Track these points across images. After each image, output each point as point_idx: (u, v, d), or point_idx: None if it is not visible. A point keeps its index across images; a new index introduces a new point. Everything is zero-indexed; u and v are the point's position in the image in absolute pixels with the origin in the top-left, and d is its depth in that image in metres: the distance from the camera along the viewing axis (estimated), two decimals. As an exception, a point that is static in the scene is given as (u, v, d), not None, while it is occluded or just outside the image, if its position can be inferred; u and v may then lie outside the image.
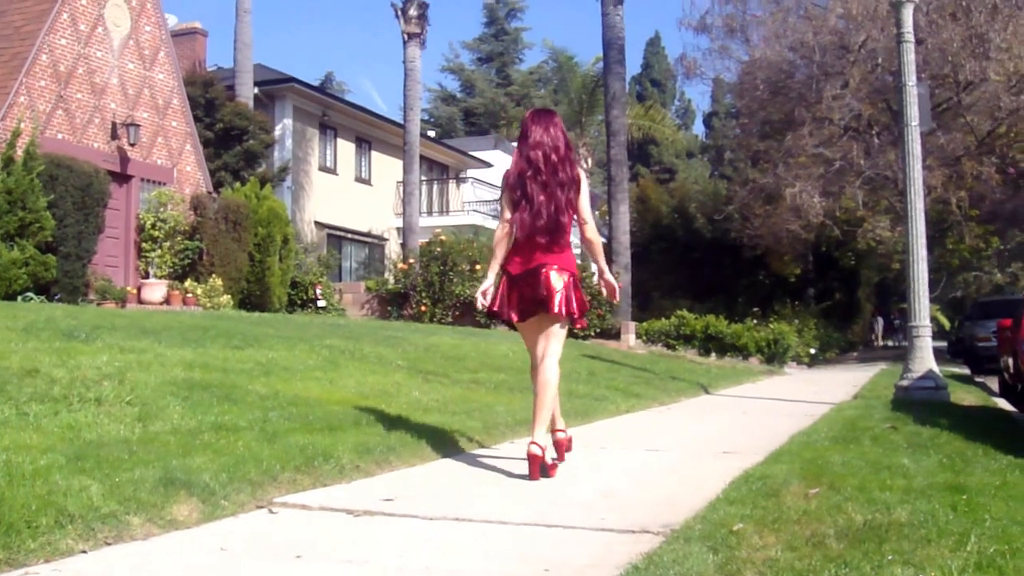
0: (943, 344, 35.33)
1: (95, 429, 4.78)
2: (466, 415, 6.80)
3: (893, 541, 3.34)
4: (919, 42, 15.40)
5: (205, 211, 17.15)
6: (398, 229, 27.76)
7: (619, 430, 7.41)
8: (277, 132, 25.11)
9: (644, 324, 20.25)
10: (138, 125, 17.22)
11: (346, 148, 28.68)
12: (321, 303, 19.82)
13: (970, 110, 22.33)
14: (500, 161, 36.06)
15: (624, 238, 20.97)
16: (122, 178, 17.01)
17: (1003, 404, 11.33)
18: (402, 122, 25.47)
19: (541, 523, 3.78)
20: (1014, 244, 36.42)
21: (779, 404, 10.25)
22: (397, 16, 24.12)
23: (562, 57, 40.18)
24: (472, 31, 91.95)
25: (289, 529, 3.68)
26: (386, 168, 29.94)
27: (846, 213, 25.44)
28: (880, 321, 43.94)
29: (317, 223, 26.73)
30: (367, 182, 29.58)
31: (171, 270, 16.95)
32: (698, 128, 71.10)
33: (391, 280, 21.06)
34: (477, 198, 32.29)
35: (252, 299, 17.70)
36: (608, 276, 5.24)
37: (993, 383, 15.00)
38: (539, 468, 4.77)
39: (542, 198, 4.98)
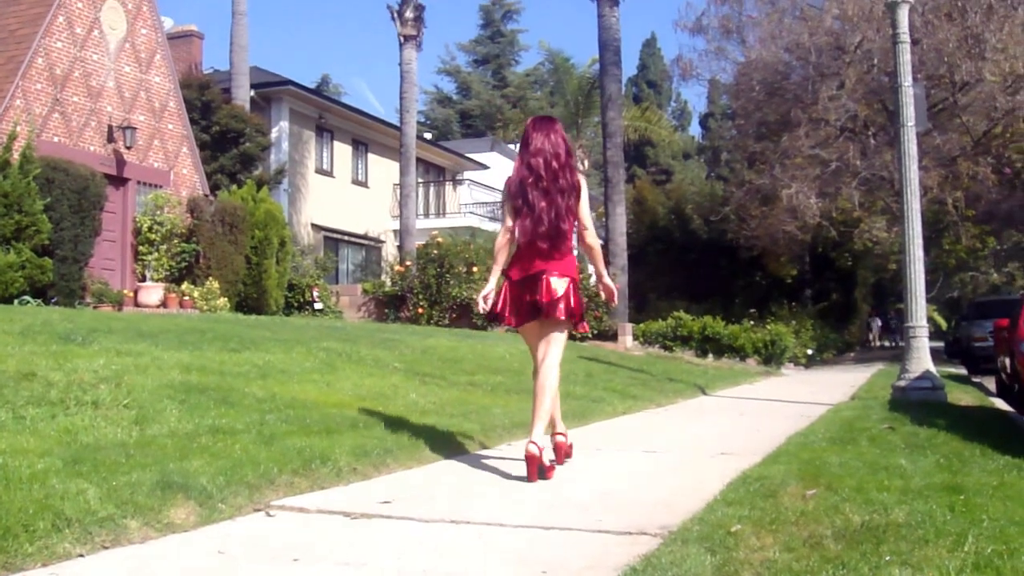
0: (940, 344, 35.36)
1: (92, 432, 4.78)
2: (463, 417, 6.81)
3: (891, 542, 3.34)
4: (915, 43, 15.44)
5: (202, 214, 17.13)
6: (395, 231, 27.74)
7: (616, 432, 7.41)
8: (273, 135, 25.09)
9: (641, 325, 20.26)
10: (134, 128, 17.21)
11: (343, 150, 28.67)
12: (318, 305, 19.81)
13: (966, 110, 22.36)
14: (496, 163, 36.06)
15: (621, 240, 20.98)
16: (118, 181, 16.99)
17: (1000, 404, 11.33)
18: (398, 124, 25.46)
19: (538, 525, 3.78)
20: (1010, 244, 36.45)
21: (776, 405, 10.25)
22: (393, 18, 24.11)
23: (558, 59, 40.16)
24: (468, 33, 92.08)
25: (286, 532, 3.68)
26: (383, 170, 29.92)
27: (842, 214, 25.47)
28: (877, 321, 43.98)
29: (314, 225, 26.71)
30: (364, 184, 29.56)
31: (168, 273, 16.93)
32: (694, 129, 71.17)
33: (388, 282, 21.04)
34: (474, 200, 32.28)
35: (249, 302, 17.69)
36: (607, 280, 5.31)
37: (990, 383, 15.01)
38: (537, 469, 4.78)
39: (543, 204, 5.02)
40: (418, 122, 29.81)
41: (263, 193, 18.92)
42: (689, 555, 3.15)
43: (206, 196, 18.51)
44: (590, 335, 17.94)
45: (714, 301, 26.15)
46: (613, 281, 5.43)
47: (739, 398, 11.42)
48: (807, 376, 18.18)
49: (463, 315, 19.25)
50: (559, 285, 5.02)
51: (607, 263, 6.26)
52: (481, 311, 5.27)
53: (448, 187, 33.28)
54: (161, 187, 17.90)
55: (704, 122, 67.95)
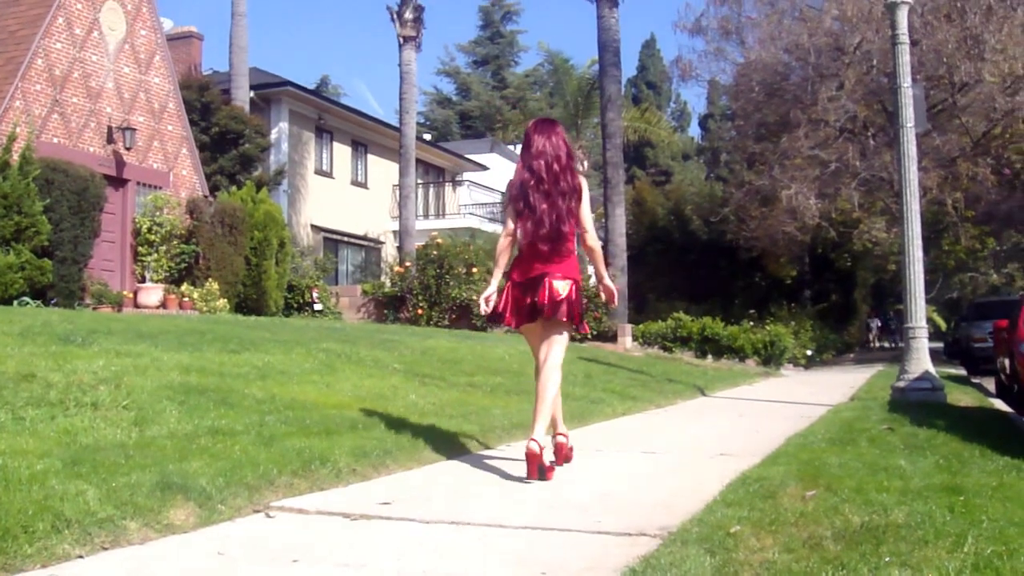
0: (939, 345, 35.36)
1: (91, 434, 4.78)
2: (463, 418, 6.81)
3: (890, 543, 3.34)
4: (914, 43, 15.43)
5: (201, 215, 17.14)
6: (394, 232, 27.74)
7: (616, 433, 7.41)
8: (273, 136, 25.09)
9: (640, 326, 20.26)
10: (134, 129, 17.20)
11: (342, 151, 28.67)
12: (317, 306, 19.81)
13: (965, 111, 22.36)
14: (496, 164, 36.05)
15: (620, 240, 20.98)
16: (118, 182, 16.99)
17: (999, 405, 11.33)
18: (398, 125, 25.46)
19: (538, 526, 3.78)
20: (1010, 245, 36.44)
21: (776, 406, 10.25)
22: (393, 19, 24.11)
23: (558, 60, 40.16)
24: (468, 34, 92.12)
25: (286, 533, 3.68)
26: (382, 171, 29.92)
27: (842, 215, 25.46)
28: (876, 322, 43.97)
29: (313, 226, 26.71)
30: (363, 185, 29.56)
31: (167, 274, 16.93)
32: (694, 130, 71.15)
33: (387, 283, 21.04)
34: (473, 201, 32.28)
35: (248, 303, 17.69)
36: (607, 282, 5.35)
37: (989, 384, 15.01)
38: (537, 468, 4.79)
39: (544, 207, 5.07)
40: (418, 123, 29.81)
41: (262, 194, 18.92)
42: (689, 556, 3.15)
43: (206, 197, 18.52)
44: (589, 336, 17.94)
45: (713, 302, 26.15)
46: (613, 282, 5.46)
47: (738, 399, 11.42)
48: (806, 377, 18.18)
49: (463, 316, 19.25)
50: (561, 287, 5.06)
51: (607, 264, 6.25)
52: (483, 312, 5.31)
53: (448, 188, 33.29)
54: (160, 188, 17.89)
55: (703, 123, 67.94)
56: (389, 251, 28.97)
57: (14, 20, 16.09)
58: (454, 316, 19.40)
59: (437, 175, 34.02)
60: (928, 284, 14.19)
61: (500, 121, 50.17)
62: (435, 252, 19.87)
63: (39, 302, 13.22)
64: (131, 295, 15.98)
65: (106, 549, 3.34)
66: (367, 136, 29.71)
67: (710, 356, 18.97)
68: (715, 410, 9.81)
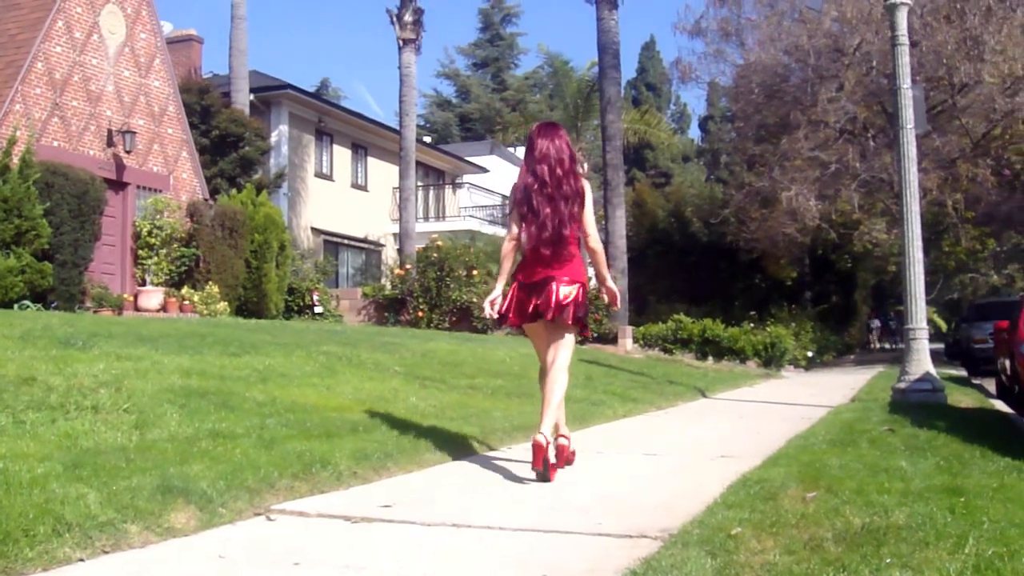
0: (940, 346, 35.33)
1: (92, 437, 4.78)
2: (463, 421, 6.81)
3: (891, 544, 3.34)
4: (913, 45, 15.43)
5: (201, 218, 17.14)
6: (395, 235, 27.74)
7: (616, 435, 7.41)
8: (273, 139, 25.10)
9: (641, 328, 20.26)
10: (134, 132, 17.21)
11: (342, 154, 28.67)
12: (318, 309, 19.81)
13: (965, 112, 22.35)
14: (496, 166, 36.07)
15: (620, 242, 20.97)
16: (118, 185, 17.00)
17: (1000, 406, 11.33)
18: (398, 128, 25.46)
19: (539, 528, 3.78)
20: (1010, 246, 36.42)
21: (776, 407, 10.25)
22: (392, 22, 24.12)
23: (557, 62, 40.14)
24: (467, 36, 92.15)
25: (287, 536, 3.68)
26: (382, 174, 29.93)
27: (842, 216, 25.45)
28: (877, 324, 43.96)
29: (313, 229, 26.71)
30: (363, 188, 29.57)
31: (168, 277, 16.94)
32: (694, 132, 71.15)
33: (388, 286, 21.04)
34: (473, 203, 32.28)
35: (249, 306, 17.69)
36: (610, 284, 5.41)
37: (990, 385, 15.00)
38: (542, 459, 4.80)
39: (547, 211, 5.12)
40: (417, 125, 29.82)
41: (263, 197, 18.93)
42: (689, 558, 3.15)
43: (206, 200, 18.52)
44: (590, 338, 17.94)
45: (714, 304, 26.13)
46: (614, 284, 5.49)
47: (739, 401, 11.42)
48: (807, 378, 18.18)
49: (463, 318, 19.25)
50: (568, 291, 5.12)
51: (608, 266, 6.25)
52: (488, 316, 5.35)
53: (448, 190, 33.29)
54: (161, 191, 17.90)
55: (703, 125, 67.95)
56: (389, 254, 28.97)
57: (14, 24, 16.10)
58: (454, 318, 19.40)
59: (437, 177, 34.03)
60: (928, 285, 14.19)
61: (500, 123, 50.18)
62: (435, 255, 19.87)
63: (39, 305, 13.23)
64: (131, 298, 15.98)
65: (107, 552, 3.34)
66: (367, 139, 29.72)
67: (711, 358, 18.97)
68: (716, 412, 9.81)
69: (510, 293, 5.30)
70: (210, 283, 16.66)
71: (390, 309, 20.25)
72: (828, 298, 32.69)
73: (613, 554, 3.35)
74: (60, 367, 6.16)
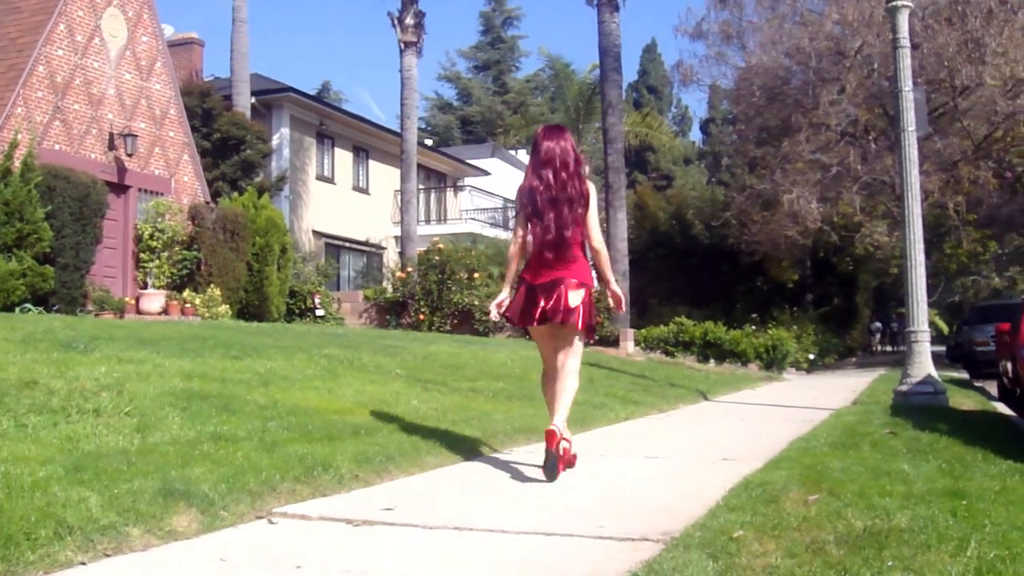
0: (942, 349, 35.32)
1: (94, 440, 4.78)
2: (465, 424, 6.80)
3: (893, 547, 3.34)
4: (915, 47, 15.43)
5: (203, 221, 17.15)
6: (396, 238, 27.76)
7: (618, 437, 7.41)
8: (274, 142, 25.13)
9: (642, 331, 20.25)
10: (135, 135, 17.23)
11: (343, 157, 28.70)
12: (319, 312, 19.82)
13: (966, 115, 22.35)
14: (497, 169, 36.09)
15: (622, 245, 20.96)
16: (120, 188, 17.02)
17: (1002, 408, 11.31)
18: (399, 131, 25.49)
19: (541, 531, 3.78)
20: (1011, 248, 36.43)
21: (778, 410, 10.24)
22: (394, 25, 24.14)
23: (558, 65, 40.23)
24: (468, 39, 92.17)
25: (289, 539, 3.68)
26: (384, 177, 29.95)
27: (844, 218, 25.44)
28: (879, 326, 43.93)
29: (315, 232, 26.73)
30: (365, 191, 29.59)
31: (169, 280, 16.95)
32: (695, 135, 71.23)
33: (389, 289, 21.05)
34: (475, 206, 32.30)
35: (250, 309, 17.70)
36: (614, 287, 5.46)
37: (992, 387, 15.00)
38: (557, 445, 4.90)
39: (552, 213, 5.17)
40: (419, 128, 29.85)
41: (264, 200, 18.95)
42: (691, 561, 3.15)
43: (207, 203, 18.54)
44: (591, 341, 17.92)
45: (715, 306, 26.11)
46: (618, 287, 5.54)
47: (741, 403, 11.41)
48: (809, 381, 18.17)
49: (464, 321, 19.26)
50: (577, 296, 5.16)
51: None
52: (494, 318, 5.39)
53: (449, 193, 33.31)
54: (162, 194, 17.92)
55: (705, 127, 68.03)
56: (391, 256, 29.00)
57: (15, 27, 16.13)
58: (456, 321, 19.40)
59: (438, 180, 34.05)
60: (930, 288, 14.18)
61: (501, 126, 50.24)
62: (437, 257, 19.88)
63: (41, 309, 13.24)
64: (133, 301, 15.99)
65: (108, 556, 3.34)
66: (368, 142, 29.74)
67: (712, 360, 18.96)
68: (717, 414, 9.81)
69: (517, 295, 5.34)
70: (211, 286, 16.67)
71: (391, 312, 20.26)
72: (830, 301, 32.66)
73: (615, 557, 3.35)
74: (62, 370, 6.16)
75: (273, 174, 24.22)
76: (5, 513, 3.32)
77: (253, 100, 23.78)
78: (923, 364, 9.94)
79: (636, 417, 9.05)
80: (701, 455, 6.20)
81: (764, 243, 25.69)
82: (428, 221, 31.07)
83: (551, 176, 5.18)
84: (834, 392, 13.31)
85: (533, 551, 3.49)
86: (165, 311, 15.96)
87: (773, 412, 10.00)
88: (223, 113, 21.54)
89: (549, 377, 5.38)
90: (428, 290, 19.70)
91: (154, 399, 5.84)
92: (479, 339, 16.14)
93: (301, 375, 7.91)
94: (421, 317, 19.53)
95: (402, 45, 24.07)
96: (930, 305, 12.41)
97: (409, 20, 23.94)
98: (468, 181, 34.44)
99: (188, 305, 16.10)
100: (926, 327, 10.11)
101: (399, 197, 25.97)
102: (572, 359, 5.25)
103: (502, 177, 35.30)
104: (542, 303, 5.16)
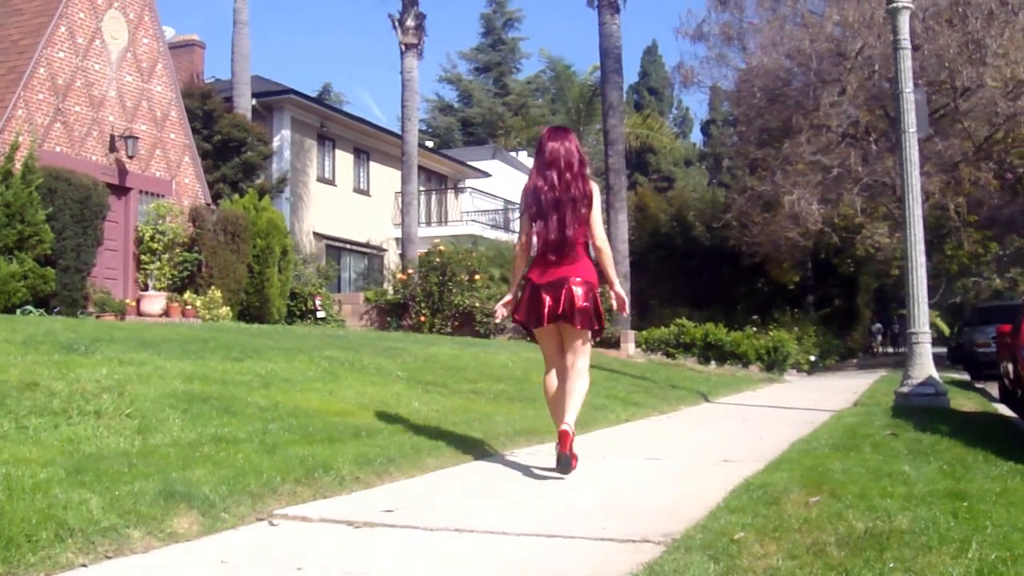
0: (943, 350, 35.32)
1: (95, 442, 4.78)
2: (466, 425, 6.80)
3: (894, 549, 3.33)
4: (916, 48, 15.42)
5: (204, 223, 17.16)
6: (397, 239, 27.77)
7: (619, 439, 7.40)
8: (275, 143, 25.14)
9: (643, 332, 20.24)
10: (136, 137, 17.24)
11: (344, 159, 28.71)
12: (320, 314, 19.82)
13: (967, 116, 22.34)
14: (498, 171, 36.09)
15: (623, 247, 20.96)
16: (121, 190, 17.02)
17: (1003, 410, 11.30)
18: (400, 132, 25.50)
19: (542, 533, 3.77)
20: (1012, 249, 36.42)
21: (779, 412, 10.24)
22: (394, 27, 24.15)
23: (559, 66, 40.25)
24: (469, 41, 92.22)
25: (289, 541, 3.68)
26: (384, 179, 29.96)
27: (844, 220, 25.43)
28: (880, 327, 43.91)
29: (316, 234, 26.74)
30: (366, 193, 29.60)
31: (170, 282, 16.95)
32: (696, 136, 71.22)
33: (390, 290, 21.06)
34: (476, 208, 32.31)
35: (251, 310, 17.70)
36: (618, 288, 5.52)
37: (993, 389, 14.99)
38: (570, 444, 5.00)
39: (555, 214, 5.22)
40: (420, 130, 29.85)
41: (265, 202, 18.96)
42: (692, 563, 3.15)
43: (208, 205, 18.54)
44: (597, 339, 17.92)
45: (716, 308, 26.10)
46: (621, 289, 5.57)
47: (742, 405, 11.41)
48: (810, 383, 18.16)
49: (465, 323, 19.26)
50: (583, 295, 5.20)
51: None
52: (499, 317, 5.43)
53: (450, 195, 33.32)
54: (163, 196, 17.92)
55: (705, 129, 68.02)
56: (392, 258, 29.01)
57: (16, 29, 16.13)
58: (457, 323, 19.41)
59: (439, 182, 34.06)
60: (931, 289, 14.18)
61: (502, 128, 50.26)
62: (438, 259, 19.89)
63: (42, 311, 13.24)
64: (134, 303, 15.99)
65: (109, 558, 3.34)
66: (369, 143, 29.75)
67: (713, 362, 18.95)
68: (718, 416, 9.80)
69: (523, 295, 5.38)
70: (212, 288, 16.67)
71: (392, 314, 20.27)
72: (831, 302, 32.65)
73: (616, 559, 3.35)
74: (63, 372, 6.16)
75: (274, 176, 24.24)
76: (6, 515, 3.32)
77: (254, 102, 23.80)
78: (924, 365, 9.94)
79: (637, 419, 9.04)
80: (702, 457, 6.20)
81: (765, 245, 25.68)
82: (429, 223, 31.08)
83: (555, 177, 5.24)
84: (835, 393, 13.31)
85: (534, 552, 3.49)
86: (166, 313, 15.97)
87: (774, 414, 10.00)
88: (224, 115, 21.56)
89: (555, 377, 5.40)
90: (429, 292, 19.71)
91: (155, 401, 5.84)
92: (480, 341, 16.15)
93: (302, 377, 7.91)
94: (422, 319, 19.53)
95: (403, 47, 24.08)
96: (931, 306, 12.40)
97: (410, 22, 23.94)
98: (469, 183, 34.45)
99: (189, 307, 16.10)
100: (927, 328, 10.11)
101: (400, 199, 25.98)
102: (581, 359, 5.30)
103: (503, 179, 35.31)
104: (548, 302, 5.20)
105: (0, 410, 5.07)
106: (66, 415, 5.21)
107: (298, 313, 19.90)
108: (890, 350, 43.02)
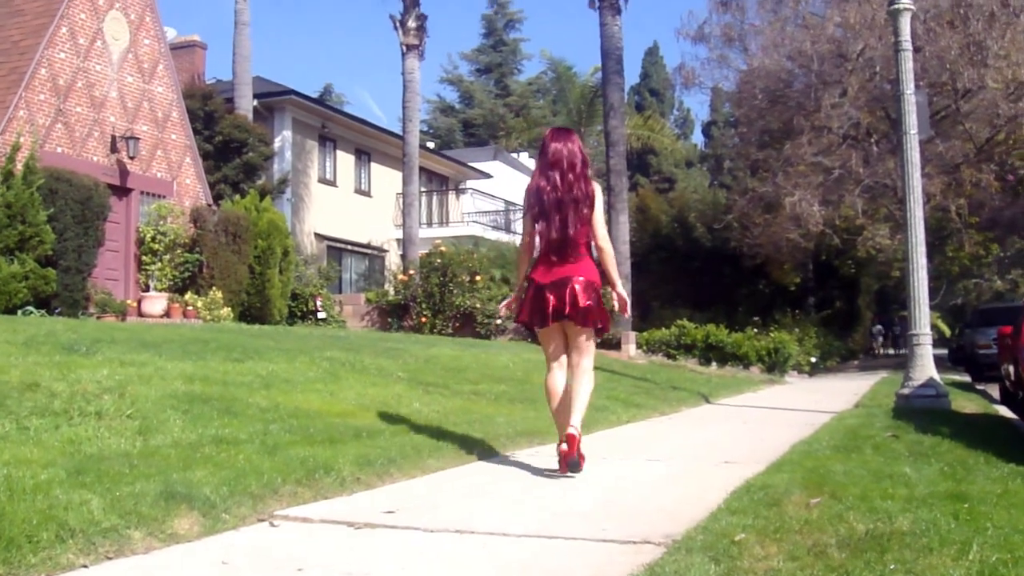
0: (944, 352, 35.28)
1: (96, 443, 4.78)
2: (467, 426, 6.80)
3: (895, 550, 3.33)
4: (917, 50, 15.41)
5: (205, 224, 17.16)
6: (398, 240, 27.78)
7: (620, 440, 7.40)
8: (276, 144, 25.14)
9: (644, 334, 20.24)
10: (137, 138, 17.24)
11: (345, 160, 28.72)
12: (321, 315, 19.82)
13: (968, 117, 22.34)
14: (499, 172, 36.09)
15: (624, 248, 20.94)
16: (122, 191, 17.03)
17: (1004, 411, 11.30)
18: (401, 133, 25.51)
19: (543, 534, 3.77)
20: (1014, 251, 36.39)
21: (780, 413, 10.24)
22: (396, 28, 24.16)
23: (561, 67, 40.22)
24: (470, 42, 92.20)
25: (290, 542, 3.68)
26: (386, 179, 29.97)
27: (845, 221, 25.44)
28: (881, 329, 43.89)
29: (317, 235, 26.75)
30: (367, 194, 29.60)
31: (171, 283, 16.95)
32: (697, 137, 71.25)
33: (391, 291, 21.06)
34: (477, 209, 32.33)
35: (252, 311, 17.70)
36: (620, 289, 5.56)
37: (994, 390, 14.98)
38: (576, 447, 5.09)
39: (558, 215, 5.25)
40: (421, 131, 29.88)
41: (266, 203, 18.96)
42: (693, 564, 3.15)
43: (209, 206, 18.55)
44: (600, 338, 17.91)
45: (717, 309, 26.09)
46: (623, 289, 5.60)
47: (743, 406, 11.40)
48: (811, 384, 18.15)
49: (466, 324, 19.26)
50: (586, 294, 5.22)
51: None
52: (503, 316, 5.47)
53: (451, 196, 33.34)
54: (164, 197, 17.93)
55: (707, 130, 68.05)
56: (393, 259, 29.02)
57: (17, 30, 16.14)
58: (458, 324, 19.40)
59: (440, 183, 34.07)
60: (932, 291, 14.18)
61: (503, 129, 50.26)
62: (439, 260, 19.89)
63: (43, 311, 13.24)
64: (135, 304, 15.99)
65: (110, 559, 3.34)
66: (370, 144, 29.76)
67: (714, 363, 18.95)
68: (719, 417, 9.80)
69: (526, 295, 5.42)
70: (213, 289, 16.67)
71: (393, 315, 20.27)
72: (832, 304, 32.66)
73: (617, 560, 3.35)
74: (64, 373, 6.16)
75: (275, 177, 24.24)
76: (7, 516, 3.32)
77: (255, 103, 23.80)
78: (925, 367, 9.94)
79: (638, 420, 9.04)
80: (703, 458, 6.20)
81: (766, 246, 25.69)
82: (430, 224, 31.09)
83: (558, 177, 5.27)
84: (836, 395, 13.30)
85: (535, 554, 3.48)
86: (167, 314, 15.97)
87: (775, 415, 10.00)
88: (225, 116, 21.56)
89: (556, 379, 5.41)
90: (430, 293, 19.71)
91: (156, 402, 5.84)
92: (481, 342, 16.14)
93: (303, 378, 7.91)
94: (423, 320, 19.53)
95: (404, 48, 24.09)
96: (932, 308, 12.40)
97: (411, 23, 23.95)
98: (470, 184, 34.47)
99: (190, 308, 16.10)
100: (928, 330, 10.11)
101: (401, 200, 25.98)
102: (586, 359, 5.34)
103: (504, 180, 35.32)
104: (552, 301, 5.23)
105: (1, 411, 5.07)
106: (67, 416, 5.21)
107: (299, 314, 19.91)
108: (891, 352, 43.02)
